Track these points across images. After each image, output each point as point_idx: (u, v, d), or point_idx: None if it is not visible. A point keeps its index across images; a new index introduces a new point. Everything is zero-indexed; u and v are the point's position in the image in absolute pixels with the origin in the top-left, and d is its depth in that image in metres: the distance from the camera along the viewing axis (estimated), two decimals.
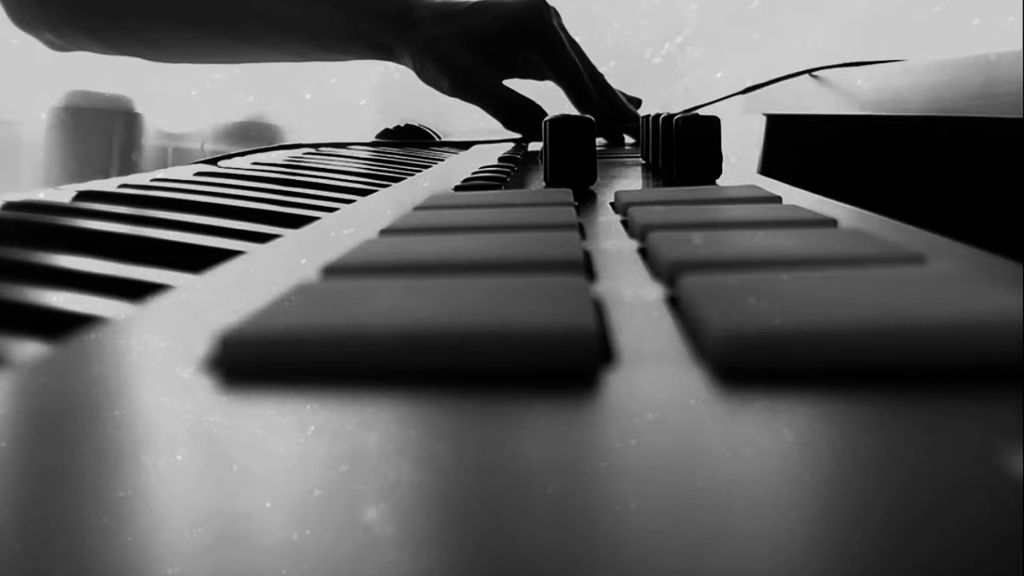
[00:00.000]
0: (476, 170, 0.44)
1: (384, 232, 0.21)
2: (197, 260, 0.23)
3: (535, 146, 0.69)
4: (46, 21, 0.79)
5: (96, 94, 1.23)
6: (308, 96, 1.31)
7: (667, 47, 1.20)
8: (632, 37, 1.19)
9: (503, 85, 0.73)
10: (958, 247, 0.17)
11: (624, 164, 0.48)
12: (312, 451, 0.09)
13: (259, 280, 0.18)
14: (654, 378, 0.10)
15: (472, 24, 0.72)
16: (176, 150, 1.30)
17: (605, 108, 0.71)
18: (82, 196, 0.36)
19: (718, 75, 1.10)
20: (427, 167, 0.57)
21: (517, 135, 0.76)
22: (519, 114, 0.71)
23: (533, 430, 0.09)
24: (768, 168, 0.66)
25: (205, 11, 0.76)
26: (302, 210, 0.35)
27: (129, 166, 1.24)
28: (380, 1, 0.74)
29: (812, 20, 1.12)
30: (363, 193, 0.42)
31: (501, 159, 0.54)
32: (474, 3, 0.73)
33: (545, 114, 0.67)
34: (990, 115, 0.44)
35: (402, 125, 0.85)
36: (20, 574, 0.07)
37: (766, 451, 0.08)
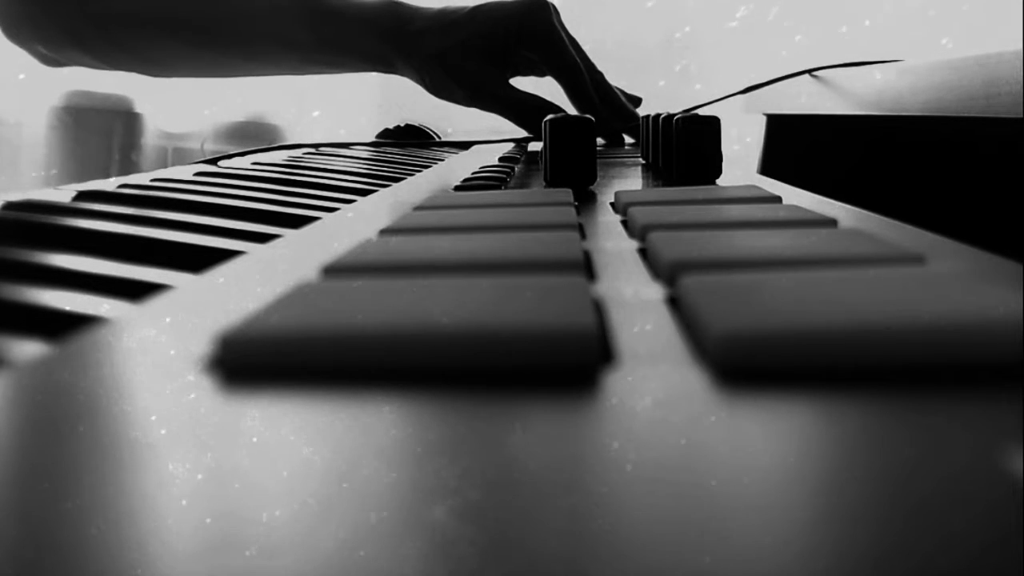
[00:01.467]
0: (476, 170, 0.44)
1: (384, 232, 0.21)
2: (197, 260, 0.23)
3: (535, 146, 0.69)
4: (37, 34, 0.79)
5: (96, 94, 1.23)
6: (308, 96, 1.31)
7: (668, 46, 1.20)
8: (632, 37, 1.19)
9: (515, 88, 0.73)
10: (958, 247, 0.17)
11: (624, 164, 0.48)
12: (312, 451, 0.09)
13: (259, 280, 0.18)
14: (654, 378, 0.10)
15: (475, 31, 0.71)
16: (176, 150, 1.30)
17: (605, 108, 0.71)
18: (82, 196, 0.36)
19: (718, 75, 1.10)
20: (427, 167, 0.57)
21: (517, 136, 0.76)
22: (536, 115, 0.71)
23: (533, 430, 0.09)
24: (768, 168, 0.66)
25: (199, 27, 0.76)
26: (302, 210, 0.35)
27: (129, 166, 1.24)
28: (378, 16, 0.73)
29: (812, 20, 1.12)
30: (363, 193, 0.42)
31: (501, 159, 0.54)
32: (473, 8, 0.73)
33: (561, 111, 0.67)
34: (990, 115, 0.44)
35: (402, 125, 0.85)
36: (20, 574, 0.07)
37: (766, 451, 0.08)
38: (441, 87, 0.73)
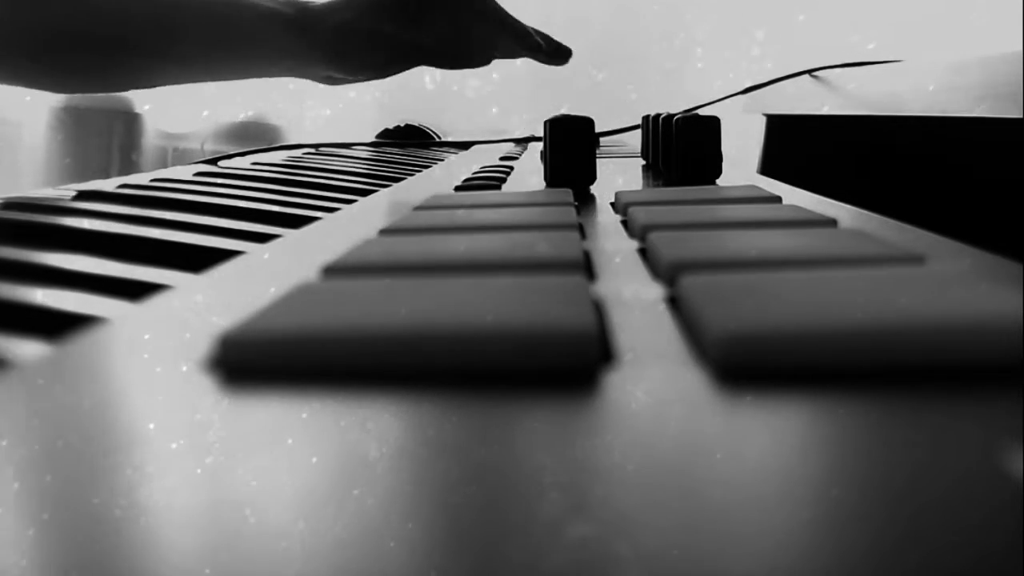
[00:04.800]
0: (476, 170, 0.44)
1: (384, 232, 0.21)
2: (197, 260, 0.23)
3: (536, 146, 0.69)
4: None
5: (96, 94, 1.23)
6: (308, 96, 1.31)
7: (667, 45, 1.20)
8: (632, 36, 1.19)
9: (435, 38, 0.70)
10: (958, 247, 0.17)
11: (624, 164, 0.48)
12: (312, 452, 0.09)
13: (259, 280, 0.18)
14: (654, 378, 0.10)
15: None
16: (176, 150, 1.30)
17: (540, 37, 0.70)
18: (82, 196, 0.36)
19: (718, 75, 1.10)
20: (427, 167, 0.57)
21: (518, 136, 0.76)
22: (465, 50, 0.69)
23: (533, 430, 0.09)
24: (768, 168, 0.66)
25: (112, 37, 0.74)
26: (302, 210, 0.35)
27: (129, 166, 1.24)
28: (278, 8, 0.71)
29: (812, 20, 1.12)
30: (363, 193, 0.42)
31: (501, 159, 0.54)
32: None
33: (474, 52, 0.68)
34: (990, 115, 0.44)
35: (402, 125, 0.85)
36: (20, 574, 0.07)
37: (766, 451, 0.08)
38: (355, 58, 0.69)
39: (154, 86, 0.82)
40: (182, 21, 0.71)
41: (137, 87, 0.82)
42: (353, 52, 0.70)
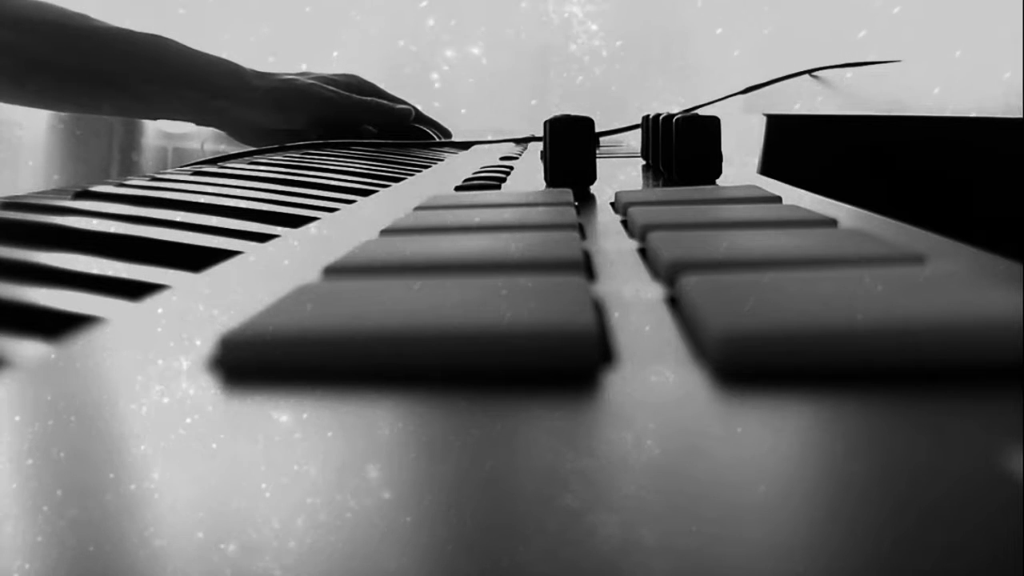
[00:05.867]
0: (476, 170, 0.44)
1: (384, 232, 0.21)
2: (197, 260, 0.23)
3: (536, 146, 0.69)
4: None
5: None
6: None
7: (668, 46, 1.20)
8: (632, 36, 1.19)
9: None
10: (958, 247, 0.17)
11: (624, 164, 0.48)
12: (312, 452, 0.09)
13: (259, 280, 0.18)
14: (654, 378, 0.10)
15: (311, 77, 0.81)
16: (176, 150, 1.30)
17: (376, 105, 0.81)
18: (82, 196, 0.36)
19: (718, 75, 1.10)
20: (427, 167, 0.57)
21: (518, 136, 0.76)
22: (388, 116, 0.81)
23: (533, 431, 0.09)
24: (768, 168, 0.66)
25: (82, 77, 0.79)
26: (302, 210, 0.35)
27: (129, 166, 1.24)
28: (214, 76, 0.80)
29: (812, 20, 1.12)
30: (363, 193, 0.42)
31: (501, 159, 0.54)
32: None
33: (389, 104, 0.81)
34: (990, 115, 0.44)
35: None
36: (22, 574, 0.07)
37: (766, 451, 0.08)
38: (290, 107, 0.79)
39: (109, 114, 0.89)
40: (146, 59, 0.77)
41: (100, 113, 0.89)
42: (290, 103, 0.79)
